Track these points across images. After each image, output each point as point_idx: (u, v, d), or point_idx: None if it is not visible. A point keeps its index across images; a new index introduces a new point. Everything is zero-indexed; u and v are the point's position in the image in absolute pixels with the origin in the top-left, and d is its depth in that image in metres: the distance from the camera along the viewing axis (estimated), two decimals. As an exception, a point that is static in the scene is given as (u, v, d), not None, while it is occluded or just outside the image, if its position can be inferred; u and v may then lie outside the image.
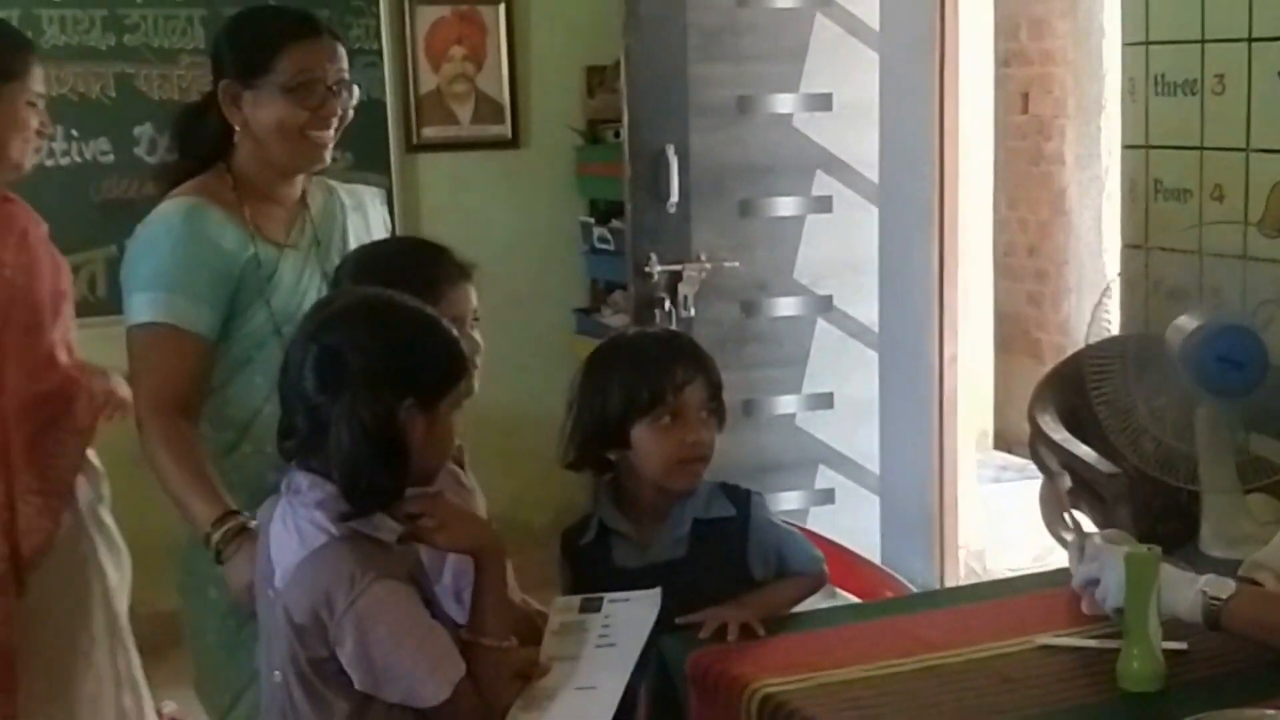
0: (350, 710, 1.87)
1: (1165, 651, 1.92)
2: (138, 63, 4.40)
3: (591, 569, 2.22)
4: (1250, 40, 3.18)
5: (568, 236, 4.89)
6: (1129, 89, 3.50)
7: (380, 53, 4.57)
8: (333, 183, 2.53)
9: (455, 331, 1.99)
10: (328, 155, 2.39)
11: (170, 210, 2.34)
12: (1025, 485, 4.95)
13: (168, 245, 2.29)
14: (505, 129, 4.75)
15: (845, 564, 2.96)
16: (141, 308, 2.29)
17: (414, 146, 4.67)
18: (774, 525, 2.27)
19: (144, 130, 4.42)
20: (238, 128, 2.36)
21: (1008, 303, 6.99)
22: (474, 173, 4.74)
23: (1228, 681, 1.88)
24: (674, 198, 4.00)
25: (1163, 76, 3.38)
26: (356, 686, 1.85)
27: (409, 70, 4.61)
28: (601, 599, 2.07)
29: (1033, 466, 3.46)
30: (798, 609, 2.26)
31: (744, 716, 1.92)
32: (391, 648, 1.82)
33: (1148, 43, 3.41)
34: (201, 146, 2.38)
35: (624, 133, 4.04)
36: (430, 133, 4.67)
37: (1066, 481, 3.06)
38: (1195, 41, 3.30)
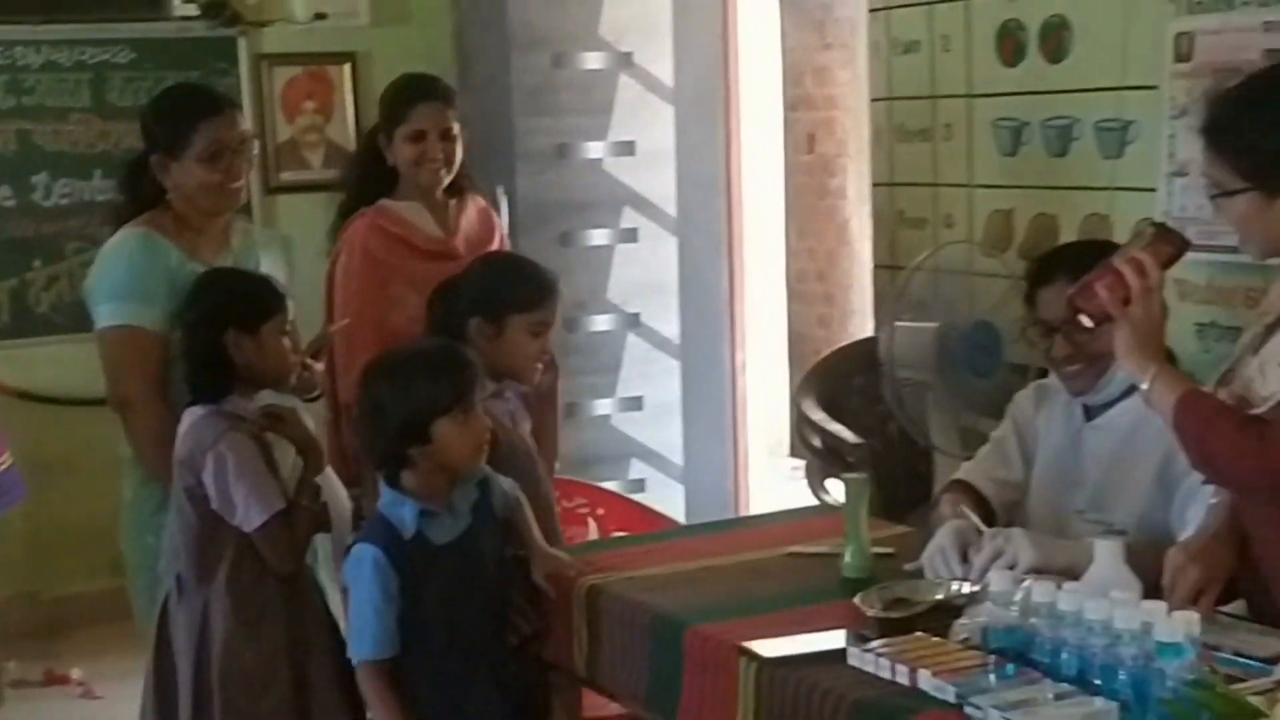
0: (199, 524, 2.65)
1: (876, 554, 2.59)
2: (34, 120, 4.90)
3: (416, 555, 2.50)
4: (970, 96, 3.82)
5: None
6: (875, 137, 4.15)
7: (241, 108, 5.03)
8: (249, 225, 3.17)
9: (268, 281, 2.80)
10: (242, 197, 3.04)
11: (127, 236, 2.95)
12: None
13: (126, 263, 2.90)
14: (352, 172, 5.27)
15: (626, 509, 3.59)
16: (109, 314, 2.90)
17: (273, 189, 5.11)
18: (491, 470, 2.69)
19: (40, 178, 4.94)
20: (169, 187, 2.97)
21: (800, 324, 7.35)
22: (325, 210, 5.16)
23: (917, 572, 2.50)
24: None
25: (903, 126, 4.02)
26: (212, 506, 2.62)
27: (266, 123, 5.07)
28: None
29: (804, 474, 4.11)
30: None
31: (576, 603, 2.56)
32: (233, 479, 2.60)
33: (891, 98, 4.07)
34: (143, 194, 2.99)
35: (459, 175, 4.66)
36: (287, 176, 5.12)
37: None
38: (928, 97, 3.94)
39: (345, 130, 5.20)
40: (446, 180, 3.38)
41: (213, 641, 2.65)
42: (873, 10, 4.12)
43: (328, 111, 5.19)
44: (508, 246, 3.60)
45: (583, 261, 4.79)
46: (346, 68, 5.18)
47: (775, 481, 6.24)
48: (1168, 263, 2.29)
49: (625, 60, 4.82)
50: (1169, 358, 2.74)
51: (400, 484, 2.54)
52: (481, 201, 3.54)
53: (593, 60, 4.78)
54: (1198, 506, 2.46)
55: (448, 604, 2.52)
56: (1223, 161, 2.16)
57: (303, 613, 2.73)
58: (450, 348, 2.69)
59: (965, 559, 2.46)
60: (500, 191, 4.53)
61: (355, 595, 2.51)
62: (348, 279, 3.33)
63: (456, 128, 3.36)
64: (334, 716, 2.71)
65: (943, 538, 2.51)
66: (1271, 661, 1.93)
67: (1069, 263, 2.69)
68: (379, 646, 2.48)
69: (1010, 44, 3.70)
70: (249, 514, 2.62)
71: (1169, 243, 2.30)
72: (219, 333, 2.68)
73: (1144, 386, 2.25)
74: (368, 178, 3.39)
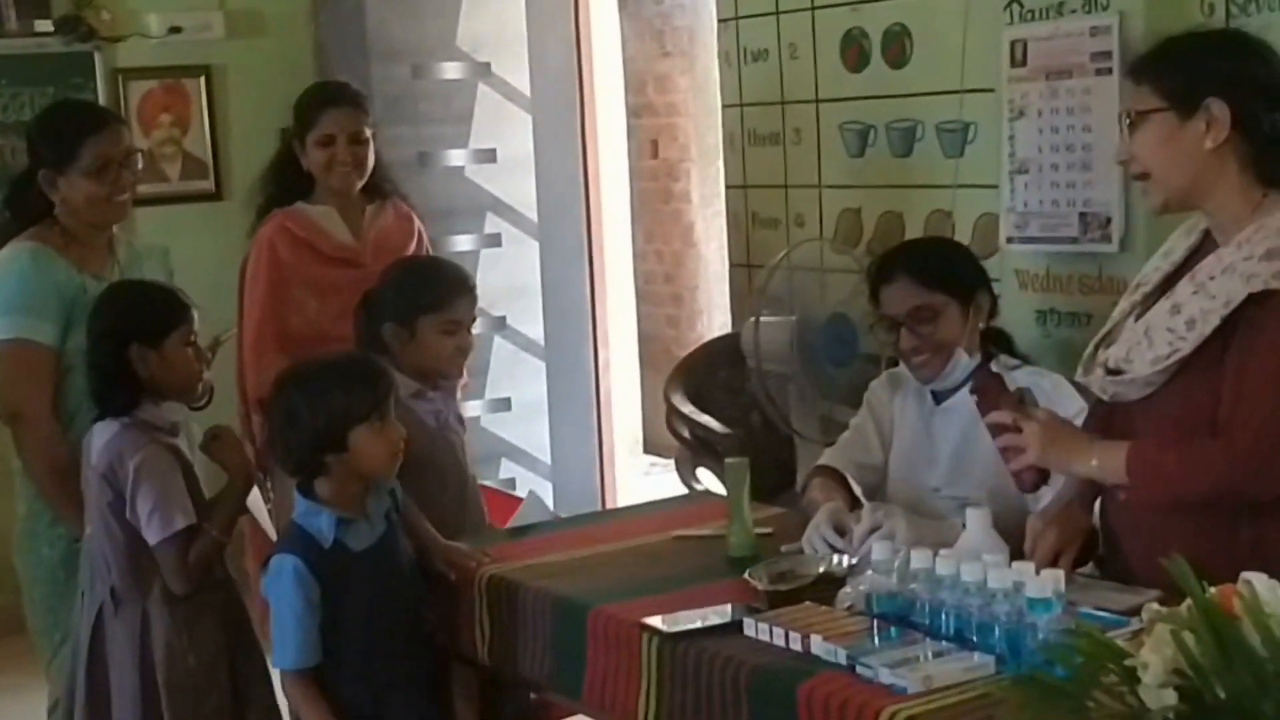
0: (125, 540, 2.67)
1: (758, 533, 2.76)
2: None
3: (335, 563, 2.54)
4: (817, 102, 3.98)
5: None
6: (729, 141, 4.29)
7: (125, 123, 4.94)
8: (130, 237, 3.21)
9: (173, 293, 2.83)
10: (128, 210, 3.07)
11: (16, 251, 2.97)
12: (669, 478, 5.80)
13: (17, 278, 2.92)
14: (209, 184, 5.21)
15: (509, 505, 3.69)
16: (1, 328, 2.89)
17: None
18: None
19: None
20: (57, 201, 2.99)
21: (650, 325, 7.51)
22: (183, 222, 5.16)
23: (796, 551, 2.66)
24: (368, 238, 4.68)
25: (754, 131, 4.17)
26: (127, 516, 2.64)
27: (124, 136, 5.08)
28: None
29: (674, 465, 4.26)
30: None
31: (476, 592, 2.67)
32: (145, 491, 2.62)
33: (742, 105, 4.22)
34: (30, 209, 3.01)
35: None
36: (144, 189, 5.10)
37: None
38: (777, 103, 4.09)
39: (202, 143, 5.21)
40: (358, 184, 3.49)
41: (155, 646, 2.68)
42: (722, 20, 4.26)
43: (184, 124, 5.19)
44: (429, 251, 3.66)
45: (448, 268, 4.86)
46: (202, 80, 5.19)
47: (633, 477, 6.39)
48: (1005, 396, 2.47)
49: (483, 70, 4.92)
50: (1004, 341, 2.98)
51: (314, 494, 2.58)
52: (404, 208, 3.63)
53: (451, 70, 4.87)
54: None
55: (368, 610, 2.57)
56: (1144, 88, 2.28)
57: (233, 613, 2.79)
58: (365, 358, 2.76)
59: (842, 535, 2.63)
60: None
61: (276, 605, 2.53)
62: (254, 279, 3.42)
63: (368, 133, 3.47)
64: (268, 712, 2.79)
65: (820, 518, 2.68)
66: (1129, 614, 2.12)
67: (906, 261, 2.92)
68: (303, 655, 2.52)
69: (855, 51, 3.87)
70: (150, 527, 2.65)
71: (995, 388, 2.50)
72: (123, 347, 2.71)
73: (1094, 471, 2.34)
74: (285, 181, 3.49)
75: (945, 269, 2.90)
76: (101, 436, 2.72)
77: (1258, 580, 1.65)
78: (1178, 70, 2.27)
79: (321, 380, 2.58)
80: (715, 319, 7.28)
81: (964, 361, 2.85)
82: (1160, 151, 2.28)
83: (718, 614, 2.34)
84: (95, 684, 2.73)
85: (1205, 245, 2.36)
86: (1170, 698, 1.61)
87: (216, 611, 2.75)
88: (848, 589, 2.33)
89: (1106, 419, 2.42)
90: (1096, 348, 2.45)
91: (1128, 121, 2.32)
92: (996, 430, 2.43)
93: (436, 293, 3.03)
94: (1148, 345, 2.29)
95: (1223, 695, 1.60)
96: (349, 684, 2.56)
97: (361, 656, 2.56)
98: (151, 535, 2.65)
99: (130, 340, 2.72)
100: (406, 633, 2.63)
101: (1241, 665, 1.59)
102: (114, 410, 2.72)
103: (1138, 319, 2.38)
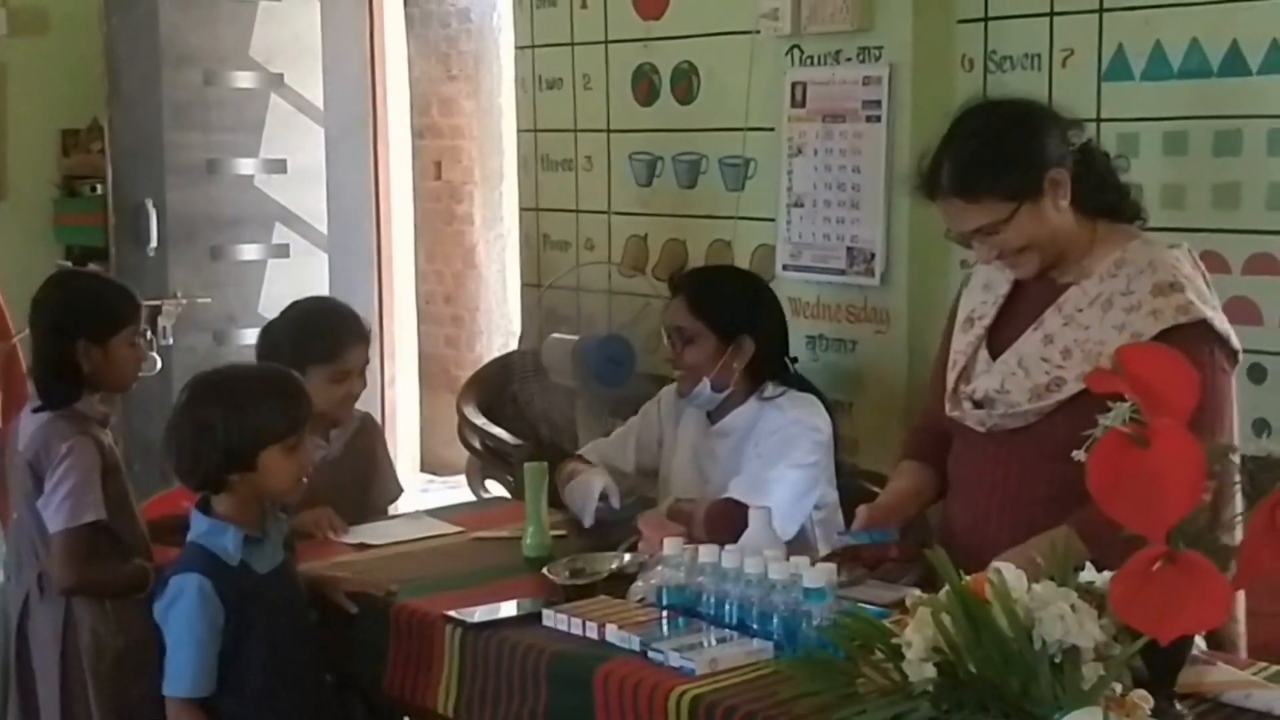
0: (45, 530, 2.60)
1: (553, 535, 2.88)
2: None
3: (241, 584, 2.42)
4: (609, 131, 4.14)
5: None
6: (523, 165, 4.43)
7: None
8: None
9: (124, 289, 2.82)
10: None
11: None
12: (445, 494, 5.87)
13: None
14: (-14, 184, 5.15)
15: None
16: None
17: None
18: None
19: None
20: None
21: (430, 344, 7.48)
22: None
23: (596, 551, 2.76)
24: (153, 243, 4.68)
25: (548, 156, 4.31)
26: (38, 503, 2.60)
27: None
28: None
29: (450, 482, 4.34)
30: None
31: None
32: (63, 478, 2.58)
33: (536, 130, 4.36)
34: None
35: (108, 187, 4.68)
36: (-83, 186, 5.02)
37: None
38: (570, 130, 4.23)
39: (-19, 140, 5.11)
40: None
41: (80, 633, 2.61)
42: (519, 47, 4.40)
43: (-38, 122, 5.08)
44: None
45: (234, 276, 4.88)
46: (-23, 78, 5.10)
47: (412, 494, 6.43)
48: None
49: (276, 80, 4.95)
50: (783, 370, 3.15)
51: (214, 511, 2.47)
52: None
53: (244, 79, 4.89)
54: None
55: (273, 638, 2.45)
56: (985, 203, 2.37)
57: None
58: (287, 374, 2.61)
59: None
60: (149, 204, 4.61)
61: (175, 630, 2.39)
62: None
63: None
64: None
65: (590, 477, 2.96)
66: (890, 607, 2.33)
67: (688, 284, 3.13)
68: (199, 683, 2.39)
69: (645, 85, 4.06)
70: (56, 514, 2.57)
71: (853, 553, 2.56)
72: (70, 341, 2.68)
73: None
74: None
75: (713, 304, 3.05)
76: (31, 424, 2.66)
77: (1006, 569, 1.88)
78: (1009, 169, 2.37)
79: (242, 393, 2.46)
80: (495, 340, 7.34)
81: (707, 393, 3.03)
82: (1037, 234, 2.39)
83: (518, 606, 2.47)
84: (24, 670, 2.67)
85: (1036, 277, 2.46)
86: (930, 671, 1.82)
87: (147, 598, 2.55)
88: (639, 583, 2.49)
89: (986, 449, 2.49)
90: (957, 383, 2.53)
91: (990, 233, 2.39)
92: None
93: (328, 343, 3.07)
94: (1024, 375, 2.41)
95: (974, 670, 1.81)
96: (248, 718, 2.45)
97: (261, 690, 2.43)
98: (55, 522, 2.56)
99: (78, 336, 2.68)
100: (308, 665, 2.53)
101: (990, 644, 1.80)
102: (56, 403, 2.67)
103: (992, 352, 2.50)
